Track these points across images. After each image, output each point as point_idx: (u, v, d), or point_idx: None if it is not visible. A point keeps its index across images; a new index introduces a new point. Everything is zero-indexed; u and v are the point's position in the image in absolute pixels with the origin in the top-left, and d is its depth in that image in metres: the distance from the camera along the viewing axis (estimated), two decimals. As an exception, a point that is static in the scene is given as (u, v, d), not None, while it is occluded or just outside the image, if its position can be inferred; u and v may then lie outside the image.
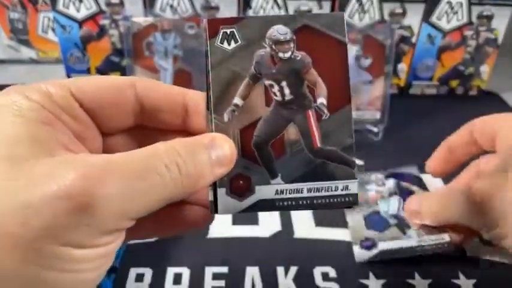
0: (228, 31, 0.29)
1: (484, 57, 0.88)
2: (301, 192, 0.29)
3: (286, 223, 0.56)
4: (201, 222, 0.32)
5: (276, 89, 0.29)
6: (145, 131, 0.31)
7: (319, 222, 0.56)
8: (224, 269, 0.49)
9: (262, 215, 0.57)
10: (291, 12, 0.82)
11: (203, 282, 0.48)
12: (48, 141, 0.24)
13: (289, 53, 0.29)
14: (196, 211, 0.31)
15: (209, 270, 0.49)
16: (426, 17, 0.83)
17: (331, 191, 0.29)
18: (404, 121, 0.79)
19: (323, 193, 0.29)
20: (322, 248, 0.53)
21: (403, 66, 0.87)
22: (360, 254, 0.51)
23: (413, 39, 0.85)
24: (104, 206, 0.22)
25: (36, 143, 0.23)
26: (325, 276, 0.49)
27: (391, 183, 0.60)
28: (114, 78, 0.29)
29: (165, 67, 0.76)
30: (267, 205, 0.29)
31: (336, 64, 0.29)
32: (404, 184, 0.60)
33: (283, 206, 0.29)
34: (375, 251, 0.51)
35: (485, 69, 0.89)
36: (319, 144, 0.29)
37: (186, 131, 0.31)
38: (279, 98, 0.29)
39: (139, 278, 0.48)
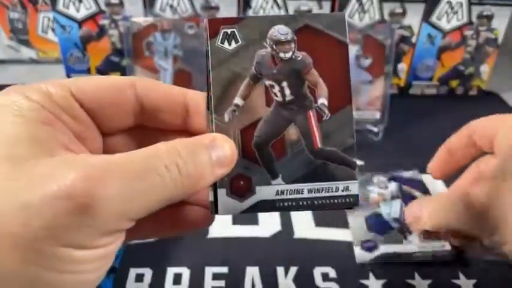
0: (229, 31, 0.29)
1: (484, 57, 0.88)
2: (302, 193, 0.29)
3: (286, 223, 0.56)
4: (201, 222, 0.31)
5: (276, 89, 0.29)
6: (146, 131, 0.31)
7: (319, 222, 0.56)
8: (224, 269, 0.49)
9: (262, 215, 0.57)
10: (291, 12, 0.82)
11: (203, 282, 0.48)
12: (48, 141, 0.24)
13: (290, 53, 0.29)
14: (196, 211, 0.31)
15: (209, 270, 0.49)
16: (426, 17, 0.83)
17: (332, 191, 0.29)
18: (404, 121, 0.79)
19: (323, 194, 0.29)
20: (322, 248, 0.53)
21: (403, 66, 0.87)
22: (361, 255, 0.51)
23: (413, 39, 0.85)
24: (104, 207, 0.22)
25: (36, 143, 0.23)
26: (325, 277, 0.49)
27: (393, 186, 0.60)
28: (114, 78, 0.29)
29: (165, 67, 0.76)
30: (268, 206, 0.29)
31: (336, 64, 0.29)
32: (407, 188, 0.60)
33: (284, 207, 0.29)
34: (376, 253, 0.51)
35: (485, 69, 0.89)
36: (319, 145, 0.29)
37: (187, 131, 0.31)
38: (279, 98, 0.29)
39: (139, 278, 0.48)
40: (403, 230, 0.53)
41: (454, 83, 0.90)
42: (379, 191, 0.59)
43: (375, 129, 0.74)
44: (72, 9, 0.80)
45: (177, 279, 0.48)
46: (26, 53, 0.94)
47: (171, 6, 0.81)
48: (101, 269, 0.24)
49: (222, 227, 0.55)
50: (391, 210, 0.56)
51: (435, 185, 0.62)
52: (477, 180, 0.47)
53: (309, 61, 0.29)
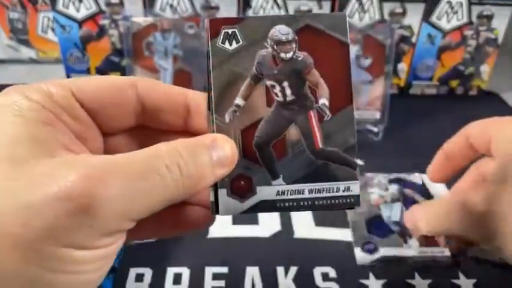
0: (230, 31, 0.29)
1: (484, 57, 0.88)
2: (303, 193, 0.29)
3: (286, 223, 0.56)
4: (202, 223, 0.31)
5: (277, 89, 0.29)
6: (147, 131, 0.31)
7: (319, 222, 0.56)
8: (224, 269, 0.49)
9: (262, 215, 0.57)
10: (291, 12, 0.82)
11: (203, 282, 0.48)
12: (49, 141, 0.24)
13: (291, 53, 0.29)
14: (197, 212, 0.31)
15: (209, 270, 0.49)
16: (426, 17, 0.83)
17: (333, 192, 0.29)
18: (404, 121, 0.79)
19: (324, 194, 0.29)
20: (322, 248, 0.53)
21: (403, 66, 0.87)
22: (362, 257, 0.51)
23: (413, 39, 0.85)
24: (105, 207, 0.22)
25: (36, 143, 0.23)
26: (325, 276, 0.49)
27: (394, 188, 0.60)
28: (116, 78, 0.29)
29: (165, 67, 0.76)
30: (268, 206, 0.29)
31: (337, 65, 0.29)
32: (408, 191, 0.60)
33: (285, 207, 0.29)
34: (376, 256, 0.51)
35: (485, 69, 0.89)
36: (320, 145, 0.29)
37: (187, 131, 0.31)
38: (280, 98, 0.29)
39: (139, 278, 0.48)
40: (403, 234, 0.53)
41: (454, 83, 0.90)
42: (380, 193, 0.59)
43: (375, 129, 0.74)
44: (72, 9, 0.80)
45: (177, 279, 0.48)
46: (26, 52, 0.94)
47: (171, 6, 0.81)
48: (102, 269, 0.24)
49: (222, 227, 0.55)
50: (391, 213, 0.56)
51: (436, 186, 0.62)
52: (476, 183, 0.47)
53: (310, 61, 0.29)
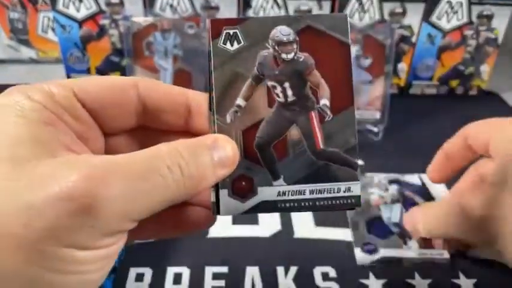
0: (231, 32, 0.29)
1: (484, 57, 0.88)
2: (304, 194, 0.29)
3: (286, 223, 0.56)
4: (203, 223, 0.31)
5: (278, 90, 0.29)
6: (148, 132, 0.31)
7: (319, 222, 0.56)
8: (224, 269, 0.49)
9: (262, 215, 0.57)
10: (291, 12, 0.82)
11: (203, 282, 0.48)
12: (50, 141, 0.24)
13: (292, 54, 0.29)
14: (198, 212, 0.31)
15: (209, 270, 0.49)
16: (426, 17, 0.83)
17: (334, 192, 0.29)
18: (404, 121, 0.79)
19: (325, 195, 0.29)
20: (322, 248, 0.53)
21: (403, 66, 0.87)
22: (362, 257, 0.51)
23: (413, 39, 0.85)
24: (107, 207, 0.22)
25: (38, 143, 0.23)
26: (325, 276, 0.49)
27: (394, 189, 0.60)
28: (117, 79, 0.29)
29: (165, 67, 0.76)
30: (269, 206, 0.29)
31: (338, 65, 0.29)
32: (408, 193, 0.60)
33: (286, 208, 0.29)
34: (376, 257, 0.51)
35: (485, 69, 0.89)
36: (321, 146, 0.29)
37: (189, 132, 0.31)
38: (281, 99, 0.29)
39: (139, 277, 0.48)
40: (403, 235, 0.53)
41: (454, 83, 0.90)
42: (380, 193, 0.59)
43: (375, 129, 0.74)
44: (72, 9, 0.80)
45: (177, 279, 0.48)
46: (26, 52, 0.94)
47: (171, 6, 0.81)
48: (103, 269, 0.24)
49: (222, 227, 0.55)
50: (391, 214, 0.56)
51: (436, 186, 0.62)
52: (475, 184, 0.47)
53: (311, 62, 0.29)
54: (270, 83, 0.29)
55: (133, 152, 0.24)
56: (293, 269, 0.50)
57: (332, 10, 0.83)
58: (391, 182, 0.61)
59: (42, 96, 0.25)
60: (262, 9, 0.82)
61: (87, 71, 0.85)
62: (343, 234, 0.55)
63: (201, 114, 0.30)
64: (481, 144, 0.45)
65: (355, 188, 0.29)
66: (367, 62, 0.75)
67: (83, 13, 0.80)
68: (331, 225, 0.56)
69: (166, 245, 0.52)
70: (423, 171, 0.56)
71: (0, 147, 0.22)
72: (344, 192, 0.29)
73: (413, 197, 0.59)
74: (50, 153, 0.23)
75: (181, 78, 0.76)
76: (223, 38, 0.29)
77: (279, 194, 0.29)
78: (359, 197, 0.29)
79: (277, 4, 0.82)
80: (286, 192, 0.29)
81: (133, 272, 0.49)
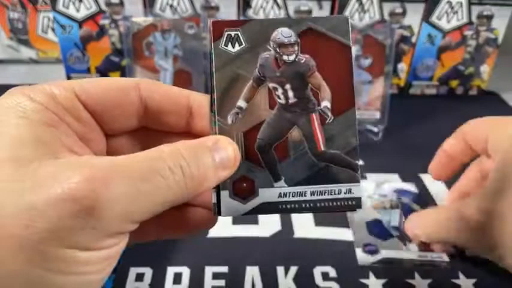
0: (233, 33, 0.29)
1: (484, 57, 0.88)
2: (305, 196, 0.29)
3: (286, 223, 0.56)
4: (204, 224, 0.32)
5: (279, 92, 0.29)
6: (149, 133, 0.31)
7: (319, 221, 0.56)
8: (224, 269, 0.49)
9: (262, 215, 0.57)
10: (291, 12, 0.82)
11: (203, 282, 0.48)
12: (52, 143, 0.24)
13: (294, 56, 0.29)
14: (199, 213, 0.31)
15: (209, 270, 0.49)
16: (426, 17, 0.83)
17: (335, 194, 0.29)
18: (404, 121, 0.79)
19: (326, 196, 0.29)
20: (322, 248, 0.53)
21: (403, 66, 0.87)
22: (363, 258, 0.51)
23: (413, 39, 0.85)
24: (109, 209, 0.22)
25: (40, 144, 0.23)
26: (325, 276, 0.49)
27: (392, 195, 0.60)
28: (119, 80, 0.29)
29: (165, 67, 0.76)
30: (270, 208, 0.29)
31: (340, 67, 0.29)
32: (406, 200, 0.60)
33: (286, 209, 0.29)
34: (377, 257, 0.51)
35: (485, 69, 0.89)
36: (322, 148, 0.29)
37: (190, 133, 0.31)
38: (282, 101, 0.29)
39: (139, 277, 0.48)
40: (402, 238, 0.53)
41: (454, 83, 0.90)
42: (379, 198, 0.59)
43: (375, 129, 0.74)
44: (72, 9, 0.80)
45: (177, 279, 0.48)
46: (26, 53, 0.94)
47: (171, 6, 0.81)
48: (105, 270, 0.24)
49: (222, 227, 0.55)
50: (390, 218, 0.56)
51: (436, 187, 0.62)
52: (477, 182, 0.47)
53: (312, 64, 0.29)
54: (271, 85, 0.29)
55: (135, 153, 0.24)
56: (293, 269, 0.50)
57: (332, 10, 0.83)
58: (389, 188, 0.61)
59: (44, 98, 0.25)
60: (262, 9, 0.82)
61: (87, 71, 0.85)
62: (343, 234, 0.55)
63: (202, 115, 0.30)
64: (478, 144, 0.45)
65: (356, 190, 0.29)
66: (367, 62, 0.75)
67: (82, 13, 0.80)
68: (331, 225, 0.56)
69: (166, 245, 0.52)
70: (423, 171, 0.56)
71: (3, 148, 0.22)
72: (345, 193, 0.29)
73: (410, 204, 0.59)
74: (52, 154, 0.23)
75: (181, 79, 0.76)
76: (224, 39, 0.29)
77: (279, 195, 0.29)
78: (360, 198, 0.29)
79: (277, 4, 0.82)
80: (287, 194, 0.29)
81: (133, 271, 0.49)
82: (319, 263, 0.51)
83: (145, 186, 0.23)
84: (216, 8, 0.82)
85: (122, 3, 0.80)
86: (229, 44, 0.29)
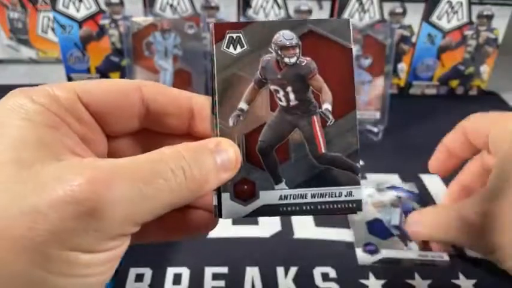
0: (234, 36, 0.29)
1: (484, 57, 0.88)
2: (305, 198, 0.29)
3: (286, 223, 0.56)
4: (205, 226, 0.32)
5: (281, 94, 0.29)
6: (151, 135, 0.31)
7: (319, 222, 0.56)
8: (224, 269, 0.49)
9: (262, 216, 0.57)
10: (290, 12, 0.82)
11: (203, 282, 0.48)
12: (55, 144, 0.24)
13: (295, 58, 0.29)
14: (200, 215, 0.31)
15: (209, 270, 0.49)
16: (426, 17, 0.83)
17: (335, 196, 0.29)
18: (404, 121, 0.79)
19: (327, 199, 0.29)
20: (322, 248, 0.53)
21: (403, 66, 0.87)
22: (363, 257, 0.51)
23: (414, 39, 0.85)
24: (111, 211, 0.22)
25: (42, 146, 0.23)
26: (325, 277, 0.49)
27: (392, 194, 0.60)
28: (120, 82, 0.29)
29: (165, 67, 0.76)
30: (271, 210, 0.29)
31: (341, 70, 0.29)
32: (405, 199, 0.60)
33: (287, 211, 0.29)
34: (378, 257, 0.51)
35: (485, 69, 0.89)
36: (323, 150, 0.29)
37: (191, 135, 0.31)
38: (284, 103, 0.29)
39: (139, 278, 0.48)
40: (403, 237, 0.53)
41: (454, 83, 0.90)
42: (378, 197, 0.59)
43: (375, 129, 0.74)
44: (72, 9, 0.80)
45: (177, 279, 0.48)
46: (26, 52, 0.94)
47: (171, 6, 0.81)
48: (107, 272, 0.24)
49: (222, 227, 0.54)
50: (391, 217, 0.56)
51: (436, 187, 0.62)
52: (480, 176, 0.46)
53: (314, 66, 0.29)
54: (272, 87, 0.29)
55: (137, 156, 0.24)
56: (293, 270, 0.50)
57: (332, 10, 0.83)
58: (389, 188, 0.61)
59: (46, 99, 0.25)
60: (262, 9, 0.82)
61: (87, 71, 0.85)
62: (343, 234, 0.55)
63: (204, 117, 0.30)
64: (480, 139, 0.45)
65: (357, 193, 0.29)
66: (367, 62, 0.75)
67: (82, 13, 0.80)
68: (331, 226, 0.56)
69: (166, 245, 0.52)
70: (423, 171, 0.56)
71: (5, 150, 0.22)
72: (345, 196, 0.29)
73: (411, 204, 0.59)
74: (54, 156, 0.23)
75: (181, 78, 0.76)
76: (226, 41, 0.29)
77: (280, 197, 0.29)
78: (360, 201, 0.29)
79: (277, 4, 0.82)
80: (288, 196, 0.29)
81: (133, 272, 0.49)
82: (319, 263, 0.51)
83: (148, 189, 0.23)
84: (216, 8, 0.82)
85: (121, 3, 0.80)
86: (231, 46, 0.29)
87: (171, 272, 0.49)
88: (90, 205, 0.21)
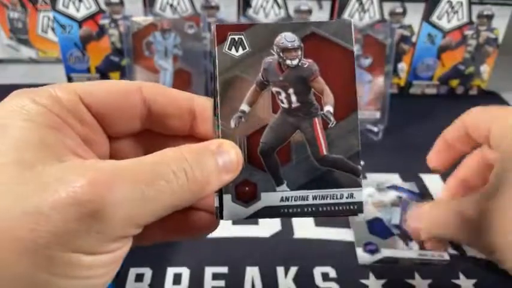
0: (236, 37, 0.29)
1: (484, 57, 0.88)
2: (307, 200, 0.29)
3: (286, 223, 0.56)
4: (206, 227, 0.32)
5: (283, 96, 0.29)
6: (152, 136, 0.31)
7: (319, 222, 0.56)
8: (224, 269, 0.50)
9: (262, 216, 0.57)
10: (291, 11, 0.82)
11: (203, 282, 0.48)
12: (57, 145, 0.24)
13: (297, 60, 0.29)
14: (202, 217, 0.31)
15: (209, 270, 0.49)
16: (426, 17, 0.83)
17: (336, 198, 0.29)
18: (404, 121, 0.79)
19: (328, 201, 0.29)
20: (322, 248, 0.53)
21: (403, 66, 0.87)
22: (363, 257, 0.51)
23: (414, 39, 0.85)
24: (113, 213, 0.22)
25: (44, 147, 0.23)
26: (325, 276, 0.49)
27: (392, 194, 0.60)
28: (122, 83, 0.29)
29: (165, 67, 0.76)
30: (272, 212, 0.29)
31: (342, 72, 0.29)
32: (406, 198, 0.60)
33: (288, 213, 0.29)
34: (378, 257, 0.51)
35: (485, 68, 0.89)
36: (325, 152, 0.29)
37: (193, 137, 0.31)
38: (285, 105, 0.29)
39: (139, 278, 0.48)
40: (404, 237, 0.53)
41: (454, 83, 0.90)
42: (378, 197, 0.59)
43: (375, 129, 0.75)
44: (72, 9, 0.80)
45: (177, 279, 0.48)
46: (26, 52, 0.94)
47: (171, 6, 0.81)
48: (109, 274, 0.25)
49: (222, 227, 0.54)
50: (391, 216, 0.56)
51: (436, 185, 0.62)
52: (478, 171, 0.46)
53: (315, 68, 0.29)
54: (274, 89, 0.29)
55: (139, 157, 0.24)
56: (293, 269, 0.50)
57: (332, 10, 0.83)
58: (389, 187, 0.61)
59: (48, 100, 0.25)
60: (262, 8, 0.82)
61: (87, 71, 0.85)
62: (343, 234, 0.55)
63: (206, 119, 0.30)
64: (480, 133, 0.44)
65: (358, 195, 0.29)
66: (367, 62, 0.75)
67: (82, 13, 0.80)
68: (331, 225, 0.56)
69: (166, 245, 0.52)
70: (423, 171, 0.56)
71: (7, 151, 0.22)
72: (347, 198, 0.29)
73: (411, 203, 0.59)
74: (56, 157, 0.23)
75: (181, 78, 0.76)
76: (228, 43, 0.29)
77: (282, 199, 0.29)
78: (361, 203, 0.29)
79: (277, 4, 0.82)
80: (289, 198, 0.29)
81: (133, 272, 0.49)
82: (319, 263, 0.51)
83: (150, 191, 0.23)
84: (216, 8, 0.82)
85: (121, 3, 0.80)
86: (233, 47, 0.29)
87: (171, 272, 0.49)
88: (92, 207, 0.21)
